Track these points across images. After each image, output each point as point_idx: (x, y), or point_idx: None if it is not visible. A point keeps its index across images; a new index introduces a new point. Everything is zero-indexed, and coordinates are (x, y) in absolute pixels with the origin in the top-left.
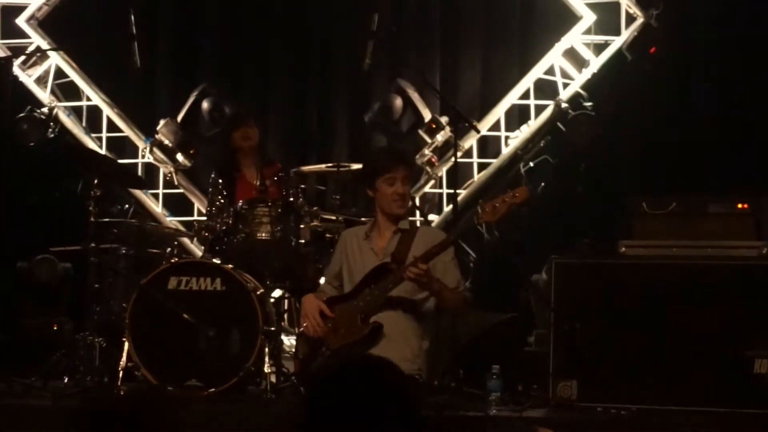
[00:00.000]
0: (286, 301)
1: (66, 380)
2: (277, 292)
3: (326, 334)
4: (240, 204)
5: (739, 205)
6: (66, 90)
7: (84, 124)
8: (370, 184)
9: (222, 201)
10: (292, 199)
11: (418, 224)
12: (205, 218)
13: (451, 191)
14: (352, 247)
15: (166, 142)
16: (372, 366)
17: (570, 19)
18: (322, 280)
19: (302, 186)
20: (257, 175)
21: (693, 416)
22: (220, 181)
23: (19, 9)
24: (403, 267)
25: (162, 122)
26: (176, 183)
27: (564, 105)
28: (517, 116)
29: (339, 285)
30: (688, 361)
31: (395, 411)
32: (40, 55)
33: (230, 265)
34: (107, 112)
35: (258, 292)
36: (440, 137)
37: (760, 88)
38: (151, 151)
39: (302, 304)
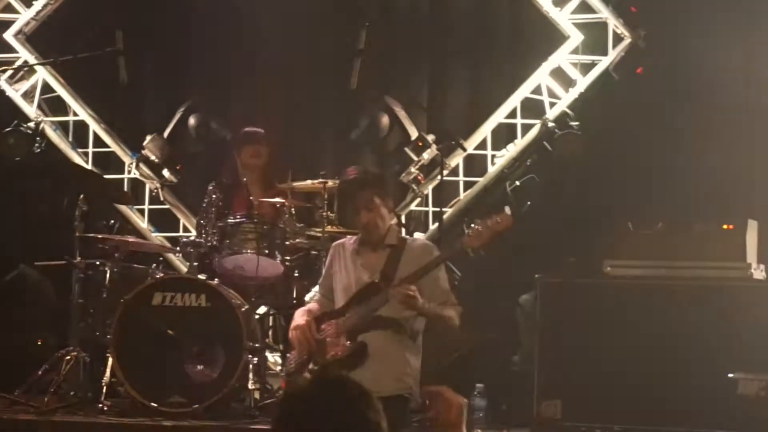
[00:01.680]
0: (270, 317)
1: (49, 395)
2: (261, 309)
3: (314, 350)
4: (226, 221)
5: (725, 226)
6: (53, 105)
7: (70, 138)
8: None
9: (213, 214)
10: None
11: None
12: (193, 231)
13: (437, 209)
14: (341, 261)
15: (153, 157)
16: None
17: (557, 38)
18: (308, 296)
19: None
20: (262, 195)
21: None
22: (218, 194)
23: (7, 24)
24: (390, 287)
25: (148, 138)
26: (162, 199)
27: (551, 124)
28: (504, 135)
29: (333, 298)
30: (672, 382)
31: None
32: (27, 69)
33: (215, 281)
34: (94, 127)
35: (243, 309)
36: (427, 155)
37: (746, 109)
38: (137, 167)
39: (293, 318)
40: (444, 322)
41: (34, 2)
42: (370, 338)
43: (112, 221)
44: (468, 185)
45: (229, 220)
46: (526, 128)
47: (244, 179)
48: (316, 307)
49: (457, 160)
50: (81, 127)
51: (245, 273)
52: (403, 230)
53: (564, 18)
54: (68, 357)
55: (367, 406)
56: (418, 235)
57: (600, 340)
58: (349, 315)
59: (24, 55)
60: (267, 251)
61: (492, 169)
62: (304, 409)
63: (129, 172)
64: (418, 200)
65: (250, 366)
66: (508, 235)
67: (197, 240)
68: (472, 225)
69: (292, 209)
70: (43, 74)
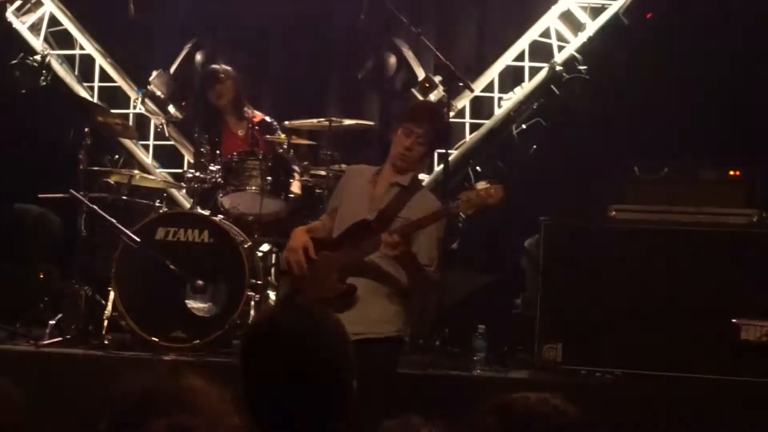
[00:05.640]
0: (273, 255)
1: (50, 328)
2: (264, 246)
3: (304, 278)
4: (230, 157)
5: (731, 173)
6: (59, 38)
7: (76, 73)
8: (397, 124)
9: (206, 155)
10: (277, 148)
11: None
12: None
13: (443, 151)
14: (352, 186)
15: (159, 93)
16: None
17: None
18: None
19: (293, 140)
20: (245, 125)
21: (678, 382)
22: (206, 136)
23: None
24: (381, 233)
25: (155, 73)
26: (167, 135)
27: (558, 68)
28: (512, 78)
29: (335, 218)
30: (674, 327)
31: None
32: (35, 1)
33: (219, 217)
34: (100, 61)
35: (246, 245)
36: (433, 96)
37: (757, 55)
38: (143, 102)
39: (291, 236)
40: (419, 284)
41: None
42: (360, 282)
43: (117, 156)
44: (474, 127)
45: (234, 158)
46: (534, 71)
47: (225, 118)
48: (318, 226)
49: (463, 101)
50: (87, 61)
51: (248, 209)
52: None
53: None
54: (70, 290)
55: (334, 337)
56: (422, 176)
57: (603, 284)
58: (341, 252)
59: None
60: (270, 188)
61: (498, 112)
62: (271, 336)
63: (134, 108)
64: None
65: (252, 303)
66: (515, 178)
67: (201, 176)
68: (464, 192)
69: (285, 146)
70: (50, 7)
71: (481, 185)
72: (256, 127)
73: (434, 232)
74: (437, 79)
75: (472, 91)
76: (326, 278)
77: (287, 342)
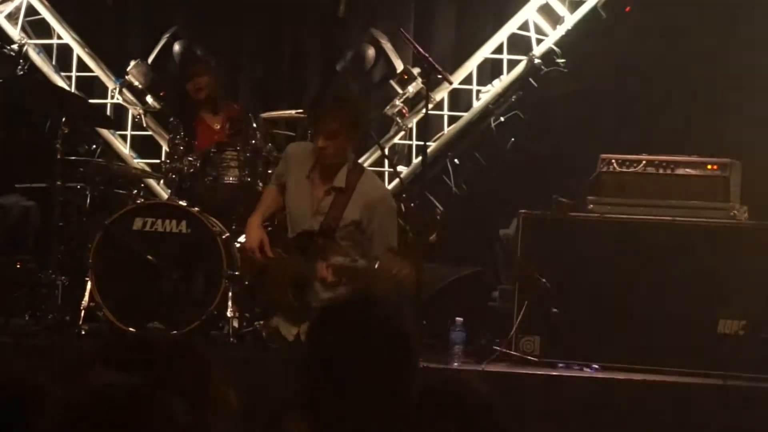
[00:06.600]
0: None
1: (27, 318)
2: (242, 237)
3: (265, 273)
4: (209, 147)
5: (709, 167)
6: (37, 27)
7: (54, 62)
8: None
9: (182, 146)
10: (251, 140)
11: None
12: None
13: (421, 143)
14: (295, 174)
15: (136, 83)
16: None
17: None
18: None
19: (273, 131)
20: (220, 119)
21: (656, 375)
22: (181, 125)
23: None
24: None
25: (132, 63)
26: (145, 125)
27: (537, 61)
28: (490, 70)
29: (283, 194)
30: (652, 320)
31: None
32: None
33: (196, 208)
34: (78, 51)
35: (223, 236)
36: (412, 88)
37: (734, 50)
38: (120, 92)
39: (246, 228)
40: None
41: None
42: (316, 290)
43: (94, 146)
44: (452, 120)
45: (212, 148)
46: (512, 64)
47: (201, 110)
48: (269, 204)
49: (442, 94)
50: (65, 50)
51: (226, 200)
52: (387, 162)
53: None
54: (47, 280)
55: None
56: (401, 168)
57: (580, 277)
58: (292, 260)
59: None
60: (248, 179)
61: (477, 105)
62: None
63: (112, 98)
64: (402, 134)
65: (229, 294)
66: (493, 170)
67: (178, 166)
68: (386, 263)
69: (256, 134)
70: None
71: (397, 263)
72: (233, 119)
73: (387, 218)
74: (416, 71)
75: (450, 83)
76: (283, 289)
77: (357, 331)
